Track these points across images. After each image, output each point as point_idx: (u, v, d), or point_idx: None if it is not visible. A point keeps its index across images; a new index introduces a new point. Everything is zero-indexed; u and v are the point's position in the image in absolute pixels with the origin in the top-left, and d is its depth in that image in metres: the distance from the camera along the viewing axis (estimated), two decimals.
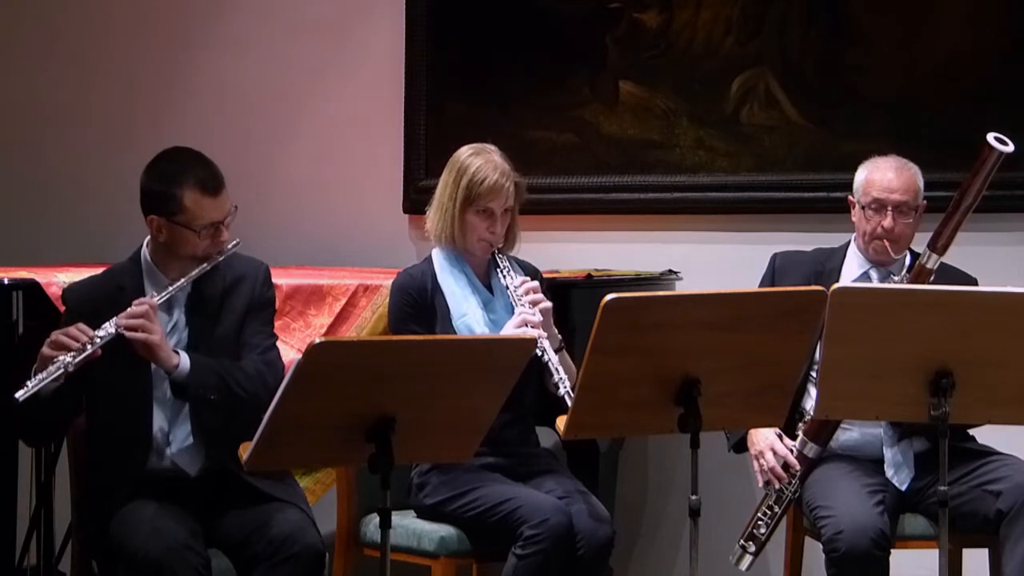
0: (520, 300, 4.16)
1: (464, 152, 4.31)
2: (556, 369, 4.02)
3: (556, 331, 4.21)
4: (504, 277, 4.24)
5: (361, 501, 4.36)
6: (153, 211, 3.94)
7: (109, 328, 3.80)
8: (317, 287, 4.75)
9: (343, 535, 4.37)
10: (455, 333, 4.19)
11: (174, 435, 3.98)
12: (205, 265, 3.97)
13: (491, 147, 4.33)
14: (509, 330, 4.11)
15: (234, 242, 4.02)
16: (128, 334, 3.81)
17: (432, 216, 4.32)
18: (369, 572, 3.97)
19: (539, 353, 4.03)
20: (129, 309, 3.84)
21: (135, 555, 3.76)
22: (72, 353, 3.74)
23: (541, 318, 4.12)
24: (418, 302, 4.26)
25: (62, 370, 3.71)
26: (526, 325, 4.09)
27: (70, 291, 4.07)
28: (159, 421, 3.97)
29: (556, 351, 4.11)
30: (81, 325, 3.79)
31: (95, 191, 5.86)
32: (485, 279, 4.34)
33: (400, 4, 5.62)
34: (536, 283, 4.23)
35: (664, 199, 5.33)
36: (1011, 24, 4.95)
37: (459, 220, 4.25)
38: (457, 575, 4.19)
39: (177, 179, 3.92)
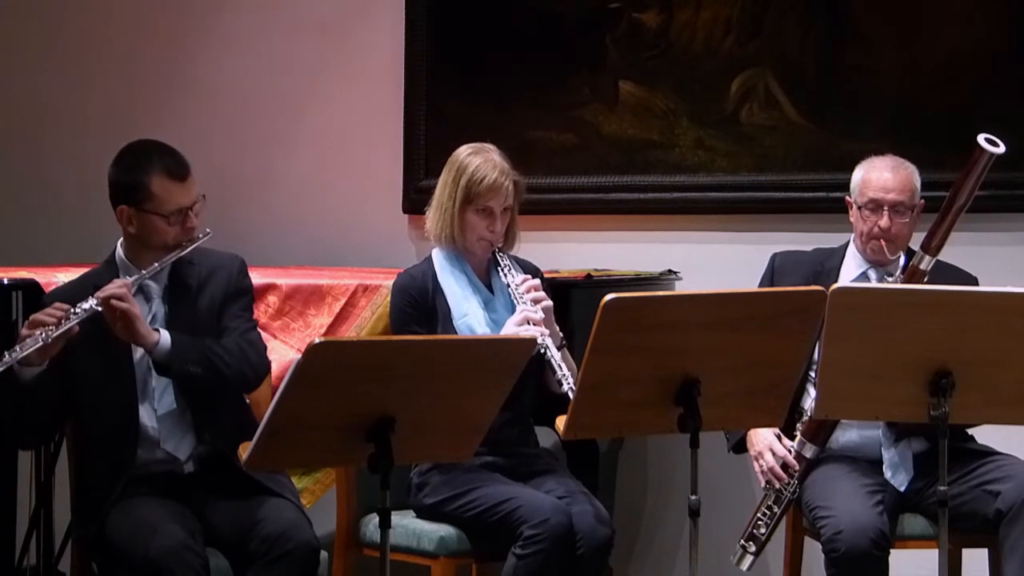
0: (522, 298, 4.16)
1: (463, 151, 4.31)
2: (559, 366, 4.03)
3: (557, 329, 4.21)
4: (505, 275, 4.24)
5: (361, 501, 4.36)
6: (122, 201, 3.99)
7: (85, 304, 3.84)
8: (317, 287, 4.76)
9: (343, 535, 4.37)
10: (456, 333, 4.19)
11: (162, 421, 3.99)
12: (178, 251, 4.00)
13: (490, 146, 4.33)
14: (511, 327, 4.11)
15: (206, 232, 4.04)
16: (104, 307, 3.83)
17: (432, 216, 4.32)
18: (369, 572, 3.97)
19: (541, 351, 4.04)
20: (105, 287, 3.88)
21: (134, 555, 3.77)
22: (51, 328, 3.77)
23: (543, 315, 4.13)
24: (419, 303, 4.26)
25: (40, 343, 3.75)
26: (528, 322, 4.09)
27: (50, 297, 4.09)
28: (146, 412, 3.99)
29: (557, 349, 4.12)
30: (58, 303, 3.84)
31: (95, 191, 5.77)
32: (485, 278, 4.34)
33: (400, 4, 5.62)
34: (537, 281, 4.23)
35: (664, 199, 5.33)
36: (1011, 24, 4.95)
37: (459, 219, 4.26)
38: (457, 575, 4.19)
39: (143, 167, 3.98)
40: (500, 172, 4.25)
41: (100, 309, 3.85)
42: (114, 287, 3.87)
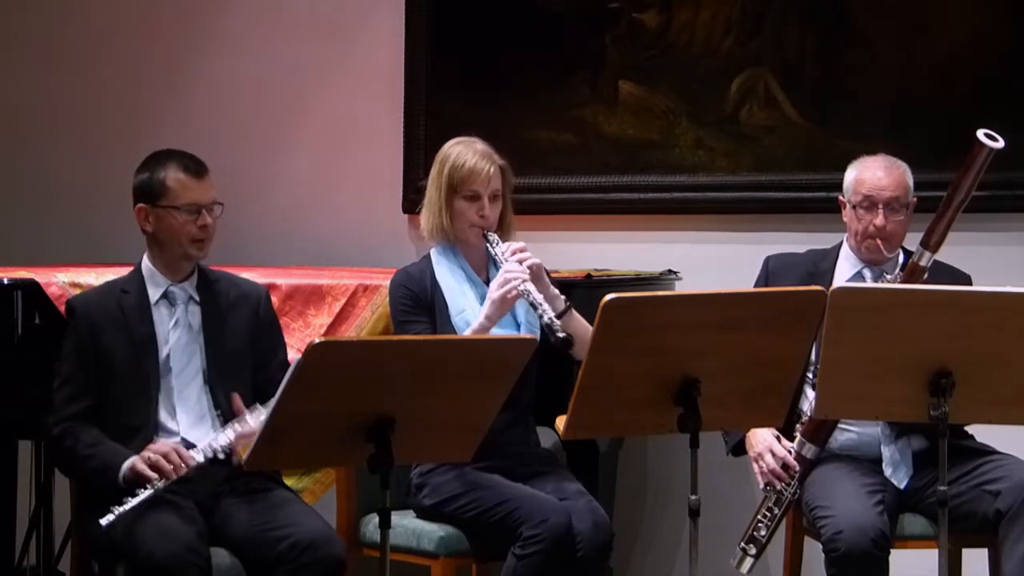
0: (508, 260, 4.17)
1: (447, 144, 4.36)
2: (540, 303, 4.04)
3: (556, 292, 4.22)
4: (494, 247, 4.23)
5: (361, 501, 4.36)
6: (140, 200, 4.09)
7: (201, 457, 3.91)
8: (317, 287, 4.76)
9: (343, 535, 4.36)
10: (454, 329, 4.20)
11: (183, 420, 4.04)
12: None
13: (474, 138, 4.36)
14: (494, 287, 4.13)
15: None
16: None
17: (424, 213, 4.34)
18: (369, 572, 3.97)
19: (523, 293, 4.07)
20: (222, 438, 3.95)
21: (138, 554, 3.79)
22: (165, 480, 3.85)
23: (528, 271, 4.12)
24: (418, 297, 4.26)
25: (151, 492, 3.82)
26: (508, 280, 4.10)
27: (75, 300, 4.16)
28: (166, 411, 4.03)
29: (563, 313, 4.15)
30: (181, 451, 3.88)
31: (96, 191, 5.86)
32: (483, 273, 4.33)
33: (400, 4, 5.62)
34: (523, 244, 4.23)
35: (664, 199, 5.33)
36: (1011, 24, 4.95)
37: (446, 209, 4.27)
38: (456, 575, 4.19)
39: (161, 164, 4.10)
40: (481, 156, 4.27)
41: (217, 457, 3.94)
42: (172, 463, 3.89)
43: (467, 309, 4.24)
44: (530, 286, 4.10)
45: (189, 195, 4.04)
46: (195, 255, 4.08)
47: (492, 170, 4.27)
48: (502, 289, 4.12)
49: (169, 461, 3.84)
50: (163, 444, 3.89)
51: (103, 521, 3.79)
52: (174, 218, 4.04)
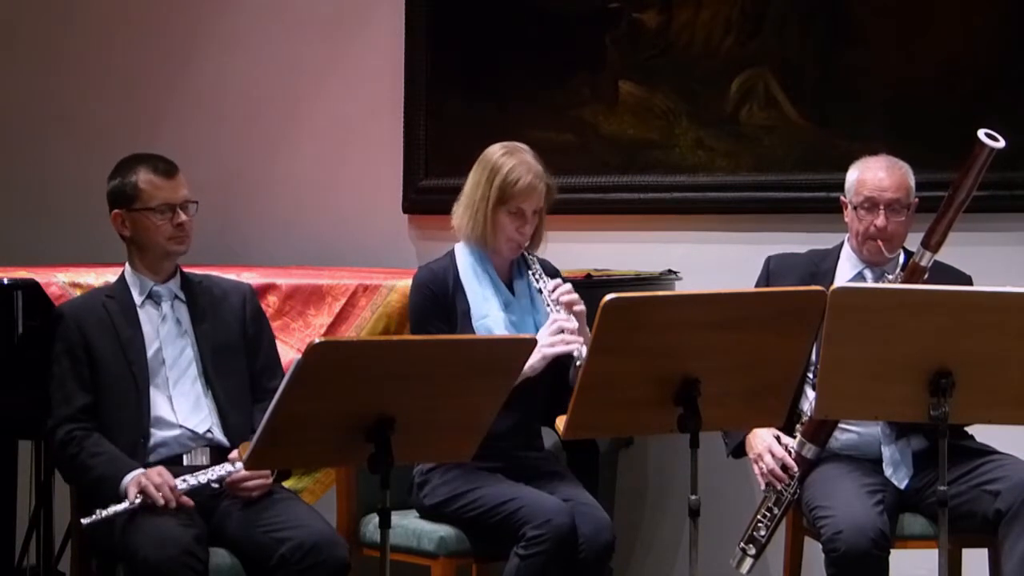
0: (556, 304, 4.13)
1: (497, 151, 4.27)
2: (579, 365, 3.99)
3: (588, 332, 4.17)
4: (537, 280, 4.21)
5: (361, 501, 4.36)
6: (114, 207, 4.16)
7: (194, 480, 3.94)
8: (317, 287, 4.76)
9: (343, 535, 4.36)
10: (474, 333, 4.17)
11: (179, 408, 4.08)
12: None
13: (523, 146, 4.29)
14: (544, 337, 4.07)
15: None
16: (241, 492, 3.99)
17: (461, 213, 4.28)
18: (369, 572, 3.97)
19: (577, 363, 4.00)
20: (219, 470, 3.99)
21: (135, 557, 3.80)
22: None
23: (577, 324, 4.10)
24: (439, 299, 4.23)
25: (138, 504, 3.86)
26: (562, 332, 4.07)
27: (62, 307, 4.20)
28: (163, 400, 4.07)
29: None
30: (174, 487, 3.88)
31: (95, 192, 5.81)
32: (507, 279, 4.31)
33: (400, 4, 5.62)
34: (570, 285, 4.20)
35: (664, 199, 5.33)
36: (1011, 24, 4.95)
37: (491, 220, 4.22)
38: (456, 575, 4.19)
39: (132, 169, 4.17)
40: (535, 175, 4.22)
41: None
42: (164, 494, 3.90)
43: (489, 315, 4.21)
44: (584, 350, 3.95)
45: (161, 195, 4.11)
46: (176, 250, 4.14)
47: (543, 189, 4.23)
48: (556, 349, 4.04)
49: (162, 493, 3.86)
50: (161, 478, 3.89)
51: (84, 521, 3.85)
52: (149, 220, 4.10)
